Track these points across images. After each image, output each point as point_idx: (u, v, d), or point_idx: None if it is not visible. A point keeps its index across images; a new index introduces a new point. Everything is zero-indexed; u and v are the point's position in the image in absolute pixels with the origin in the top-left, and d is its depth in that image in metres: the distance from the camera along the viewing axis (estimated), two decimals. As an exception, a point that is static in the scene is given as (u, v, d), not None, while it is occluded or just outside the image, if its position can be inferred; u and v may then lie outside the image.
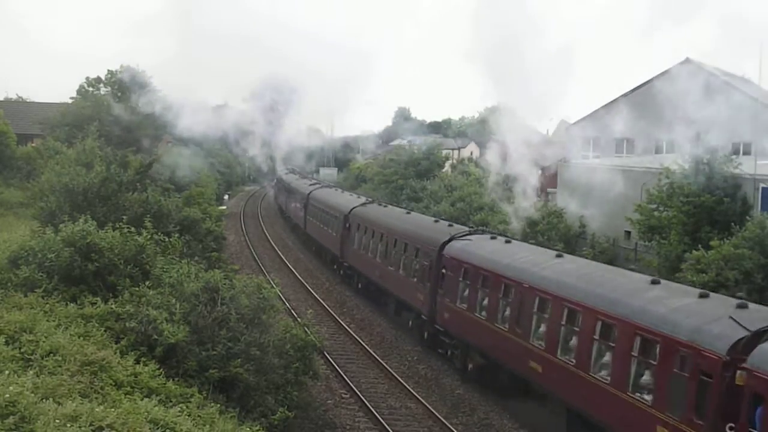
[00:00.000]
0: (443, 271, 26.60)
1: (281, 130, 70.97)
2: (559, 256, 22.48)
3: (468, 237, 27.15)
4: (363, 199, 43.56)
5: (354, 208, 39.98)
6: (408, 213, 36.46)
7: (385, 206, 39.96)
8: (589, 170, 42.82)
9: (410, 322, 30.20)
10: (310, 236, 51.19)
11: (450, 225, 30.63)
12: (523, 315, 21.08)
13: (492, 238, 26.80)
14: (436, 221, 32.41)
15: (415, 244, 29.82)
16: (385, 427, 20.96)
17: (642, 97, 51.19)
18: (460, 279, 25.27)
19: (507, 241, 25.97)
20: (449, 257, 26.43)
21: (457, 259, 25.81)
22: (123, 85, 65.26)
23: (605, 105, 54.35)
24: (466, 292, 24.91)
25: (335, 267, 42.96)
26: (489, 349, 23.37)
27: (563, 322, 19.03)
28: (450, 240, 27.13)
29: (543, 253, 23.48)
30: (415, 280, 29.08)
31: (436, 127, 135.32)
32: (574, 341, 18.59)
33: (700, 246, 25.65)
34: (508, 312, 22.08)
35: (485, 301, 23.54)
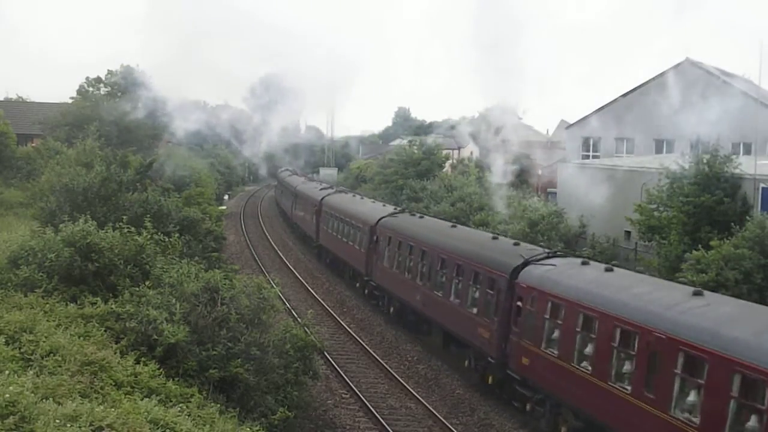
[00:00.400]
0: (518, 304, 21.56)
1: (269, 128, 70.98)
2: (697, 294, 16.80)
3: (549, 261, 21.88)
4: (391, 208, 37.97)
5: (382, 218, 34.72)
6: (453, 226, 30.71)
7: (420, 217, 34.65)
8: (586, 170, 42.87)
9: (468, 362, 25.08)
10: (324, 248, 45.77)
11: (516, 244, 25.37)
12: (658, 375, 15.78)
13: (584, 263, 21.12)
14: (495, 238, 26.98)
15: (473, 266, 24.77)
16: (385, 427, 20.97)
17: (641, 98, 51.32)
18: (546, 317, 19.97)
19: (608, 269, 20.04)
20: (527, 287, 21.24)
21: (540, 290, 20.56)
22: (120, 86, 65.44)
23: (602, 107, 54.48)
24: (556, 334, 19.63)
25: (357, 285, 38.20)
26: (596, 413, 17.90)
27: (734, 394, 13.85)
28: (525, 265, 22.09)
29: (671, 289, 18.03)
30: (476, 311, 24.15)
31: (436, 128, 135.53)
32: (754, 423, 13.59)
33: (700, 246, 25.62)
34: (629, 368, 16.77)
35: (588, 350, 18.16)
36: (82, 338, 15.62)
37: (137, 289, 19.24)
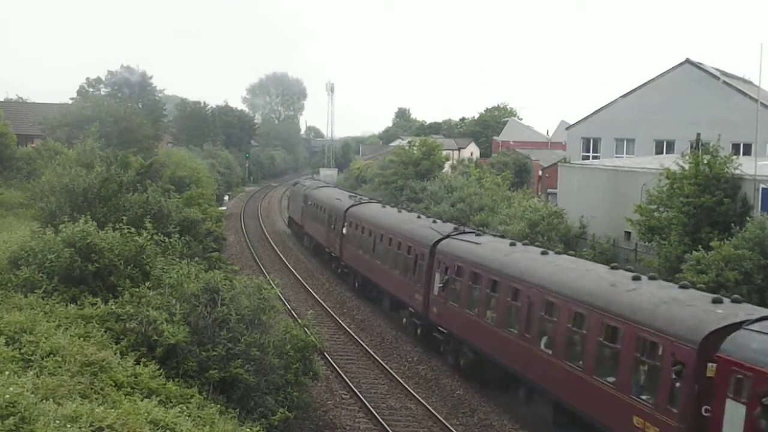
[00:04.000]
0: (716, 388, 13.99)
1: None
2: None
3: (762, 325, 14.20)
4: (448, 226, 29.92)
5: (441, 239, 27.53)
6: (544, 253, 23.15)
7: (479, 234, 28.30)
8: (587, 171, 42.88)
9: None
10: (352, 269, 38.26)
11: (717, 300, 16.10)
12: None
13: None
14: (685, 287, 17.74)
15: (642, 333, 16.10)
16: (385, 427, 20.97)
17: (641, 98, 51.35)
18: None
19: None
20: (737, 364, 13.57)
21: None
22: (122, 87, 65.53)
23: (603, 107, 54.49)
24: None
25: (405, 320, 30.79)
26: None
27: None
28: (732, 329, 14.29)
29: None
30: (629, 391, 16.23)
31: (436, 128, 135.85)
32: None
33: (700, 247, 25.64)
34: None
35: None
36: (82, 339, 15.62)
37: (137, 289, 19.24)
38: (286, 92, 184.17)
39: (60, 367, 13.75)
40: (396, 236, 31.95)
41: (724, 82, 49.38)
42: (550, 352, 19.62)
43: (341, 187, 59.99)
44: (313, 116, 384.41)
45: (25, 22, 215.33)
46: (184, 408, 13.82)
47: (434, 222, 31.69)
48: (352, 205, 40.21)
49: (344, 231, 38.86)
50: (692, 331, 14.75)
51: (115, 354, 15.53)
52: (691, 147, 33.51)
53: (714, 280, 23.44)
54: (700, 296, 16.85)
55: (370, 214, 37.19)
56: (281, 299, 29.15)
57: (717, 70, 52.59)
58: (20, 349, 14.29)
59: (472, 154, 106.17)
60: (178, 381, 16.02)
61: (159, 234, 23.53)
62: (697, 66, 50.46)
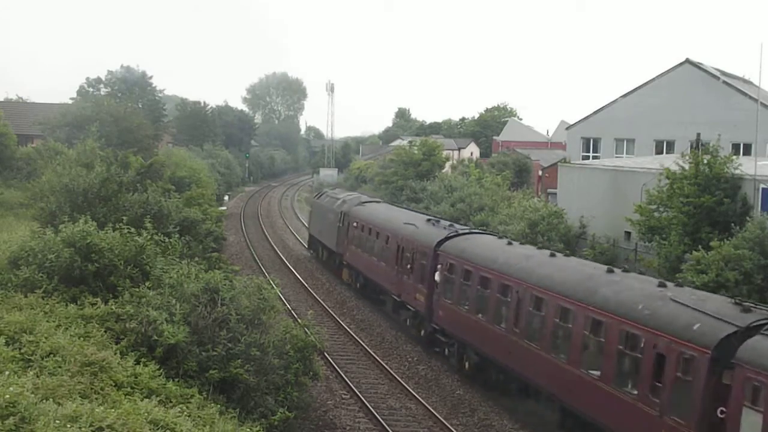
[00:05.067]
0: None
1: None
2: None
3: None
4: (699, 298, 16.78)
5: (731, 338, 14.57)
6: None
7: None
8: (587, 171, 42.87)
9: None
10: (455, 337, 25.97)
11: None
12: None
13: None
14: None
15: None
16: (385, 427, 20.98)
17: (641, 98, 51.33)
18: None
19: None
20: None
21: None
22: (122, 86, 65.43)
23: (603, 107, 54.46)
24: None
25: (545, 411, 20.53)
26: None
27: None
28: None
29: None
30: None
31: (436, 128, 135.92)
32: None
33: (700, 247, 25.64)
34: None
35: None
36: (82, 339, 15.63)
37: (137, 289, 19.24)
38: (286, 92, 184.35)
39: (60, 367, 13.76)
40: (580, 309, 18.72)
41: (724, 82, 49.37)
42: None
43: (399, 204, 46.94)
44: (313, 116, 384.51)
45: (24, 20, 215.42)
46: (184, 408, 13.82)
47: (659, 284, 18.21)
48: (448, 237, 27.48)
49: (437, 278, 27.33)
50: None
51: (115, 354, 15.54)
52: (691, 147, 33.49)
53: (714, 279, 23.44)
54: None
55: (490, 255, 24.28)
56: (281, 299, 29.14)
57: (717, 70, 52.58)
58: (20, 349, 14.30)
59: (472, 154, 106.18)
60: (178, 381, 16.02)
61: (159, 234, 23.52)
62: (697, 66, 50.44)
